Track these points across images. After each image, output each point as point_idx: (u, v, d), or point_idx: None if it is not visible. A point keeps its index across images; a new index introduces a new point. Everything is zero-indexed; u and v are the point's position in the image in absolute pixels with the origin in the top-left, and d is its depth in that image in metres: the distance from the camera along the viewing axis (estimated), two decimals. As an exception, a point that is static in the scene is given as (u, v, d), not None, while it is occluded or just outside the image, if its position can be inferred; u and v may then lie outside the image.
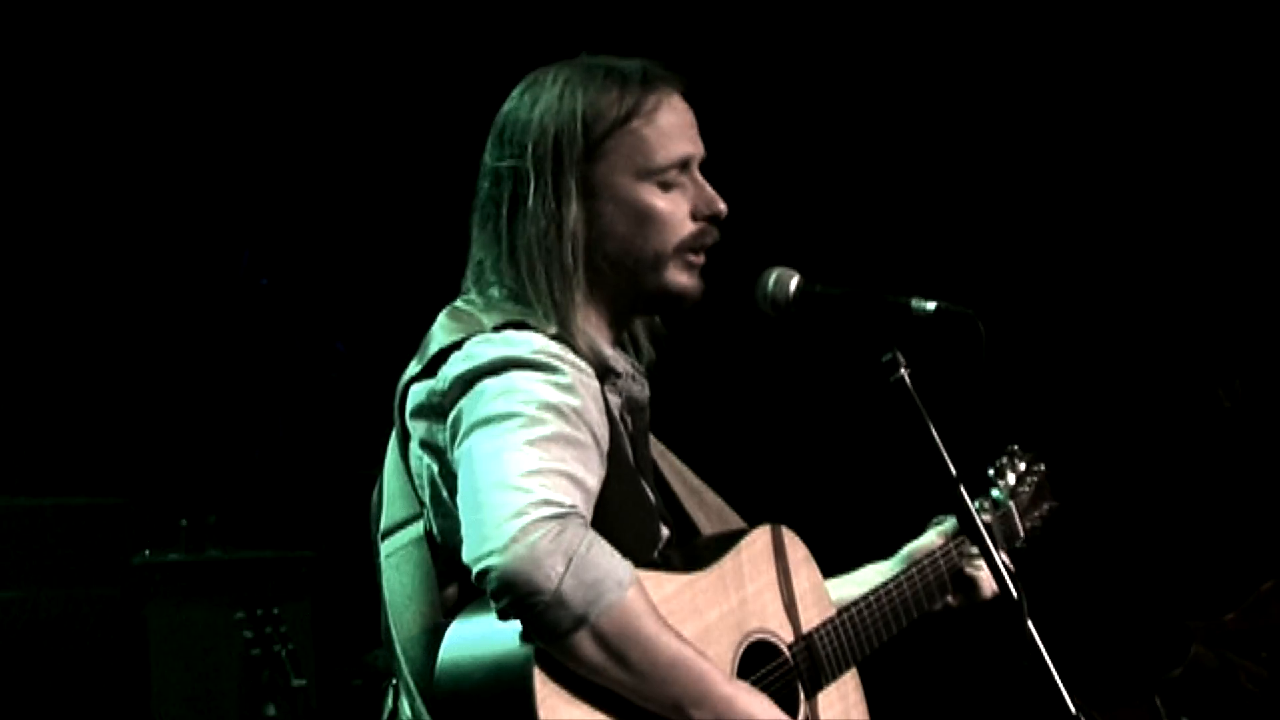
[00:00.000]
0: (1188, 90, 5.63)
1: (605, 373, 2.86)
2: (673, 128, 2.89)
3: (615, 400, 2.89)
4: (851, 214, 5.85)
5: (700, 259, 2.92)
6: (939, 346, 2.86)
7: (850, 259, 5.55)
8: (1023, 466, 3.47)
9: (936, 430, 2.81)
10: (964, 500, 2.81)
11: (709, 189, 2.92)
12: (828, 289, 2.91)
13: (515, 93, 2.93)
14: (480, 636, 2.67)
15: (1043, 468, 3.48)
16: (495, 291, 2.86)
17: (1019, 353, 5.53)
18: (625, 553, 2.67)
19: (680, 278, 2.90)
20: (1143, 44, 5.64)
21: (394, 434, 2.88)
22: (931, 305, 2.84)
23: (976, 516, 2.81)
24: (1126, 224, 5.72)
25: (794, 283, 2.92)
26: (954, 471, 2.80)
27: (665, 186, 2.88)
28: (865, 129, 5.85)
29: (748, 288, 2.95)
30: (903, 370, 2.83)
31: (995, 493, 3.39)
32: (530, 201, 2.83)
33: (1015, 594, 2.75)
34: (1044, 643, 2.71)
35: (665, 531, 2.93)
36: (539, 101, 2.88)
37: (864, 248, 5.76)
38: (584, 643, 2.59)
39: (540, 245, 2.83)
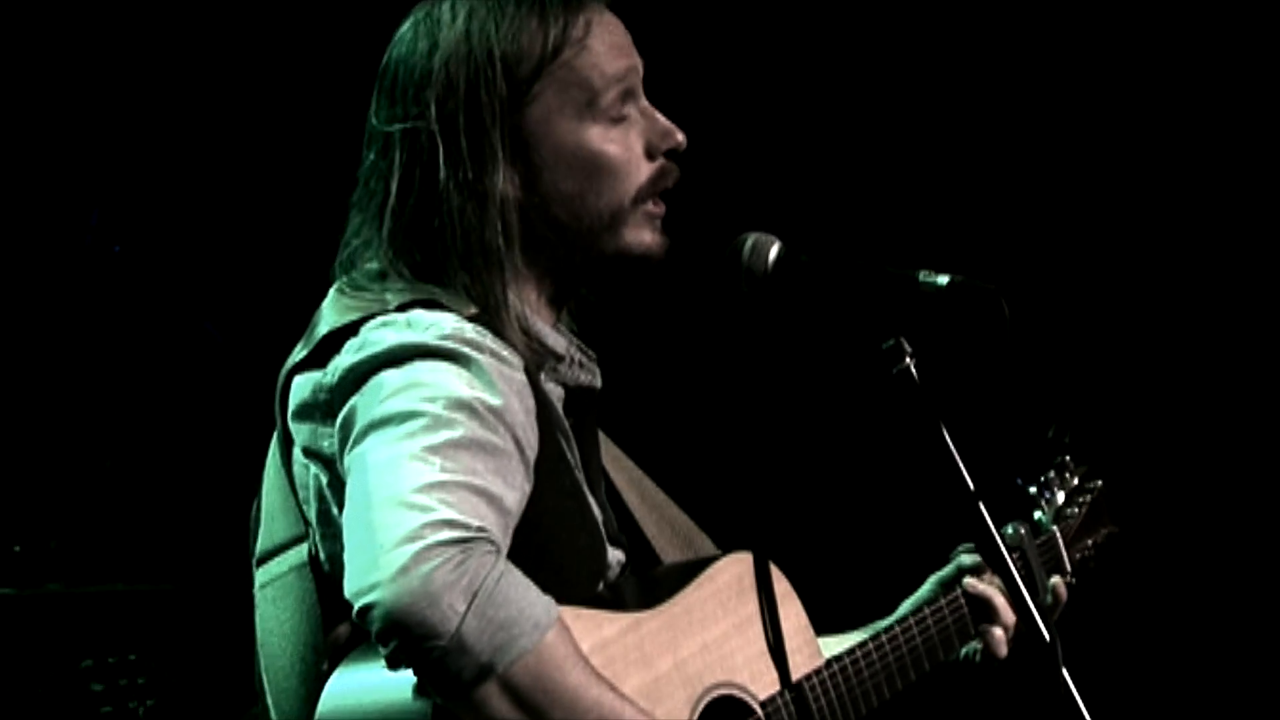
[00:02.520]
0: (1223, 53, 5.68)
1: (543, 359, 2.87)
2: (609, 48, 2.92)
3: (556, 391, 2.91)
4: (847, 169, 5.85)
5: (661, 209, 2.95)
6: (953, 331, 2.85)
7: (845, 224, 5.58)
8: (1075, 482, 3.49)
9: (950, 434, 2.81)
10: (984, 521, 2.81)
11: (661, 118, 2.95)
12: (815, 259, 2.91)
13: (404, 33, 2.94)
14: (366, 688, 2.67)
15: (1099, 484, 3.49)
16: (396, 265, 2.87)
17: (1056, 338, 5.55)
18: (563, 585, 2.68)
19: (643, 236, 2.93)
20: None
21: (275, 436, 2.89)
22: (944, 279, 2.84)
23: (1000, 541, 2.81)
24: (1183, 180, 5.75)
25: (774, 250, 2.93)
26: (971, 485, 2.80)
27: (612, 121, 2.91)
28: (867, 71, 5.86)
29: (718, 256, 2.95)
30: (908, 360, 2.83)
31: (1038, 514, 3.40)
32: (441, 173, 2.84)
33: (1048, 637, 2.75)
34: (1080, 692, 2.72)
35: (618, 556, 2.94)
36: (438, 44, 2.88)
37: (862, 211, 5.77)
38: (491, 698, 2.59)
39: (455, 227, 2.84)
